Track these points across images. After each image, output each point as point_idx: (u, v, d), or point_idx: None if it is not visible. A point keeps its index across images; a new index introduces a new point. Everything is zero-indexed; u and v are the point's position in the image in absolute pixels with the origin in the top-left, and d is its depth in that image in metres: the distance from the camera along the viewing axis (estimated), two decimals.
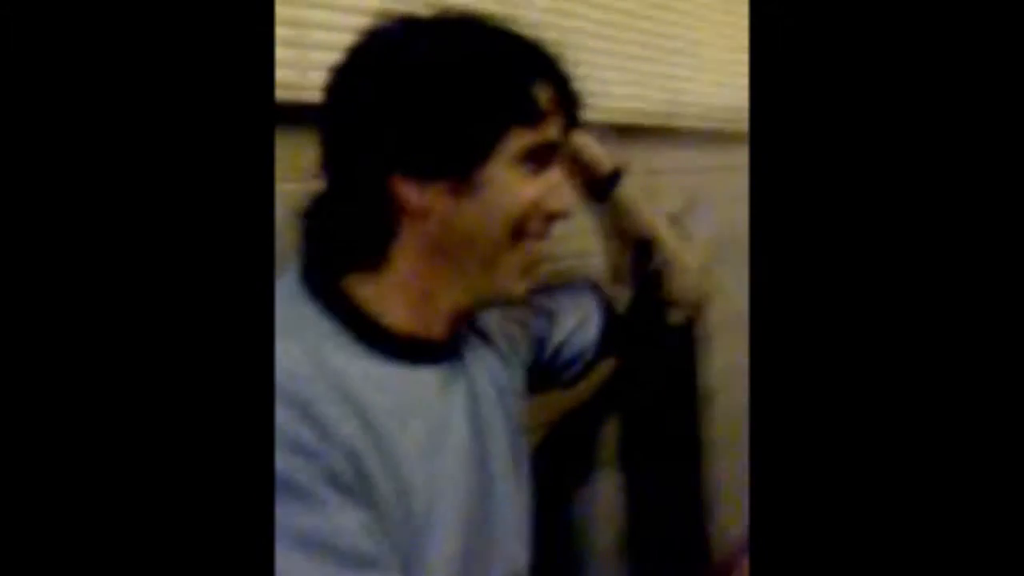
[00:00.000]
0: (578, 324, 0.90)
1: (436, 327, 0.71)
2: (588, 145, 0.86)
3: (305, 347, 0.61)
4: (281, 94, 0.70)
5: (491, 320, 0.82)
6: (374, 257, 0.68)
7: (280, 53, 0.78)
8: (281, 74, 0.76)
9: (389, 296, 0.68)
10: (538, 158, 0.67)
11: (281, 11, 0.75)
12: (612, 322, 0.91)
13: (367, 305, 0.67)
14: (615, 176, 0.89)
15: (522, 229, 0.68)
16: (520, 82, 0.65)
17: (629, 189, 0.90)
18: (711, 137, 1.48)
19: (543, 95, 0.66)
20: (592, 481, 1.23)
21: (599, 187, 0.89)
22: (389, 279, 0.68)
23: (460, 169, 0.65)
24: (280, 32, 0.76)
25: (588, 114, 0.75)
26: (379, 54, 0.66)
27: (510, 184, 0.66)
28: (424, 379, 0.70)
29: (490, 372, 0.79)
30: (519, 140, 0.65)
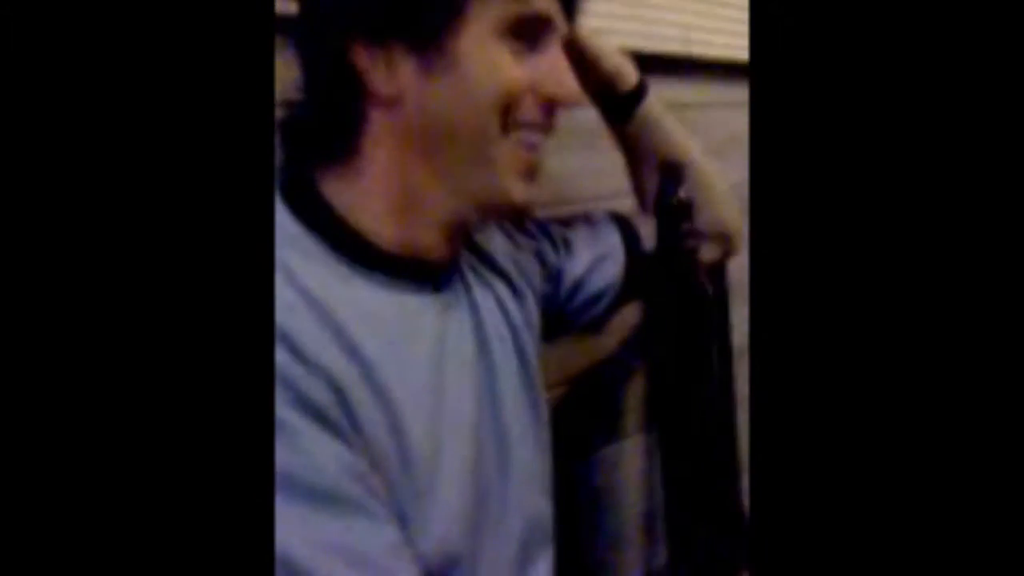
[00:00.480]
0: (598, 258, 0.79)
1: (428, 242, 0.61)
2: (608, 53, 0.74)
3: (282, 267, 0.53)
4: None
5: (498, 244, 0.72)
6: (344, 151, 0.58)
7: None
8: None
9: (369, 200, 0.59)
10: (527, 33, 0.57)
11: None
12: (638, 258, 0.79)
13: (347, 214, 0.58)
14: (640, 90, 0.76)
15: (513, 116, 0.57)
16: None
17: (655, 106, 0.78)
18: (737, 71, 1.37)
19: None
20: (617, 443, 1.13)
21: (621, 104, 0.77)
22: (365, 178, 0.59)
23: (427, 35, 0.55)
24: None
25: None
26: None
27: (492, 59, 0.56)
28: (419, 305, 0.61)
29: (499, 303, 0.69)
30: (499, 6, 0.55)
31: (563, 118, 0.97)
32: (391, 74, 0.56)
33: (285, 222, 0.57)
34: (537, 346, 0.73)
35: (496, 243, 0.73)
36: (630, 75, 0.76)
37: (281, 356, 0.50)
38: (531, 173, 0.61)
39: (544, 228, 0.78)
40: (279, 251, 0.52)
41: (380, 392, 0.55)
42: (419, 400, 0.58)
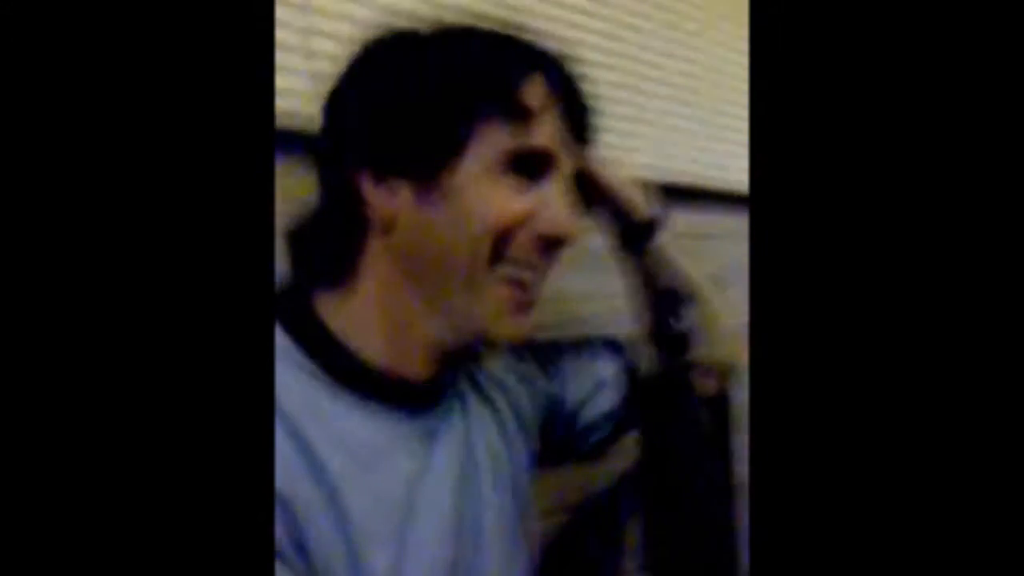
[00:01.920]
0: (597, 387, 0.78)
1: (416, 364, 0.61)
2: (623, 185, 0.76)
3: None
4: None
5: (491, 374, 0.72)
6: (343, 273, 0.60)
7: None
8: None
9: (361, 321, 0.59)
10: (526, 168, 0.58)
11: None
12: (637, 387, 0.79)
13: (339, 333, 0.59)
14: (652, 224, 0.78)
15: (503, 250, 0.58)
16: (498, 70, 0.57)
17: (666, 241, 0.80)
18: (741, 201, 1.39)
19: (533, 91, 0.57)
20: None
21: (633, 236, 0.78)
22: (360, 300, 0.59)
23: (426, 167, 0.56)
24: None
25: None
26: (360, 61, 0.60)
27: (486, 192, 0.56)
28: (401, 427, 0.60)
29: (488, 434, 0.68)
30: (498, 141, 0.56)
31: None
32: (389, 200, 0.57)
33: (277, 336, 0.57)
34: (526, 479, 0.72)
35: (488, 374, 0.73)
36: (643, 207, 0.76)
37: None
38: (520, 308, 0.60)
39: (536, 352, 0.79)
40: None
41: (342, 518, 0.54)
42: (384, 528, 0.56)
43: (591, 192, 0.73)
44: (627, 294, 0.84)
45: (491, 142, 0.56)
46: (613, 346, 0.82)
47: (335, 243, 0.60)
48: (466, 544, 0.62)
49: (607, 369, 0.79)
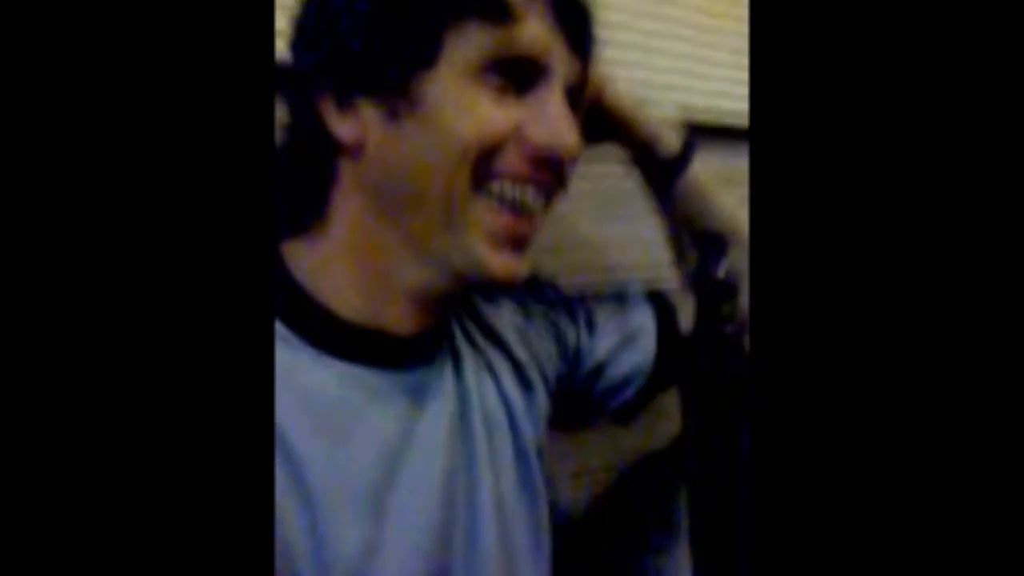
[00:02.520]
0: (626, 339, 0.70)
1: (395, 314, 0.53)
2: (643, 112, 0.66)
3: None
4: None
5: (506, 316, 0.64)
6: (310, 215, 0.52)
7: None
8: None
9: (331, 269, 0.52)
10: (511, 76, 0.49)
11: None
12: (674, 341, 0.70)
13: (306, 282, 0.51)
14: (683, 158, 0.68)
15: (488, 168, 0.49)
16: None
17: (700, 176, 0.70)
18: None
19: None
20: (652, 552, 1.02)
21: (661, 173, 0.68)
22: (330, 242, 0.52)
23: (391, 80, 0.48)
24: None
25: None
26: None
27: (463, 103, 0.48)
28: (380, 384, 0.52)
29: (497, 385, 0.61)
30: (475, 44, 0.48)
31: (601, 182, 0.95)
32: (355, 125, 0.50)
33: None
34: (540, 435, 0.64)
35: (504, 314, 0.65)
36: (670, 141, 0.67)
37: None
38: (513, 239, 0.52)
39: (565, 301, 0.70)
40: None
41: (306, 499, 0.47)
42: (357, 504, 0.50)
43: (606, 120, 0.64)
44: (664, 239, 0.75)
45: (467, 46, 0.48)
46: (649, 296, 0.73)
47: (300, 181, 0.53)
48: (457, 512, 0.55)
49: (637, 321, 0.70)
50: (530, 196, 0.51)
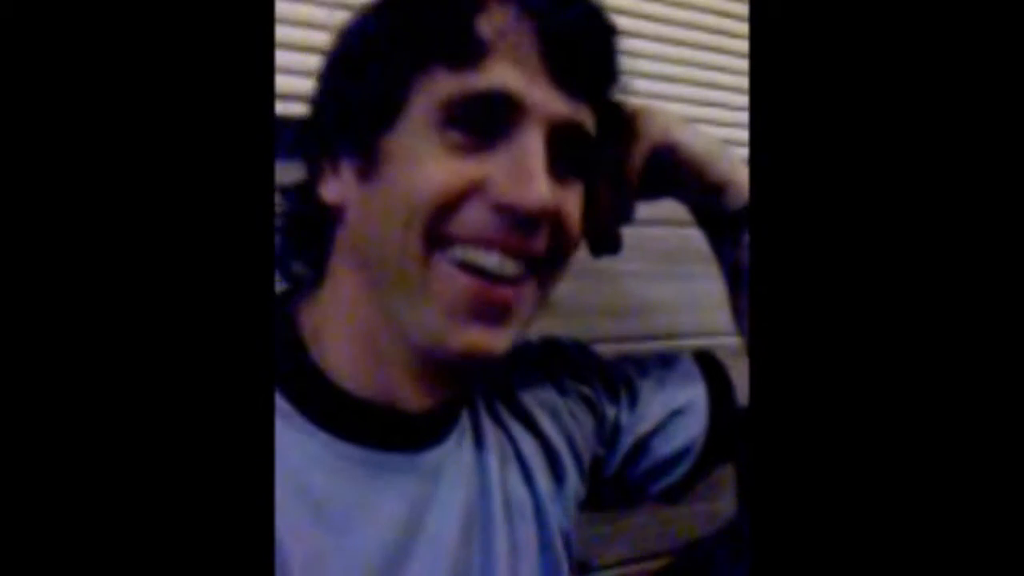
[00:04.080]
0: (673, 414, 0.62)
1: (400, 388, 0.48)
2: (718, 156, 0.56)
3: None
4: None
5: (536, 392, 0.59)
6: (315, 277, 0.51)
7: None
8: None
9: (326, 331, 0.48)
10: (479, 122, 0.44)
11: None
12: (729, 413, 0.63)
13: (308, 342, 0.48)
14: (741, 209, 0.57)
15: (445, 230, 0.44)
16: (442, 3, 0.44)
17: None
18: None
19: (488, 20, 0.44)
20: None
21: (729, 222, 0.57)
22: (324, 307, 0.49)
23: (361, 137, 0.45)
24: None
25: None
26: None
27: (418, 157, 0.44)
28: (389, 464, 0.48)
29: (524, 468, 0.55)
30: (438, 93, 0.44)
31: (654, 241, 0.90)
32: (338, 181, 0.48)
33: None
34: (567, 521, 0.58)
35: (535, 388, 0.59)
36: (743, 187, 0.56)
37: None
38: (480, 310, 0.45)
39: (605, 372, 0.64)
40: None
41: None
42: None
43: (670, 168, 0.55)
44: (722, 301, 0.68)
45: (430, 93, 0.44)
46: (702, 363, 0.65)
47: (303, 243, 0.51)
48: None
49: (687, 394, 0.63)
50: (495, 261, 0.45)
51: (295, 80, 0.62)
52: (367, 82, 0.45)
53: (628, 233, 0.57)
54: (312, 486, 0.45)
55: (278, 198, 0.52)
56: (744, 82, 0.95)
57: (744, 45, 0.96)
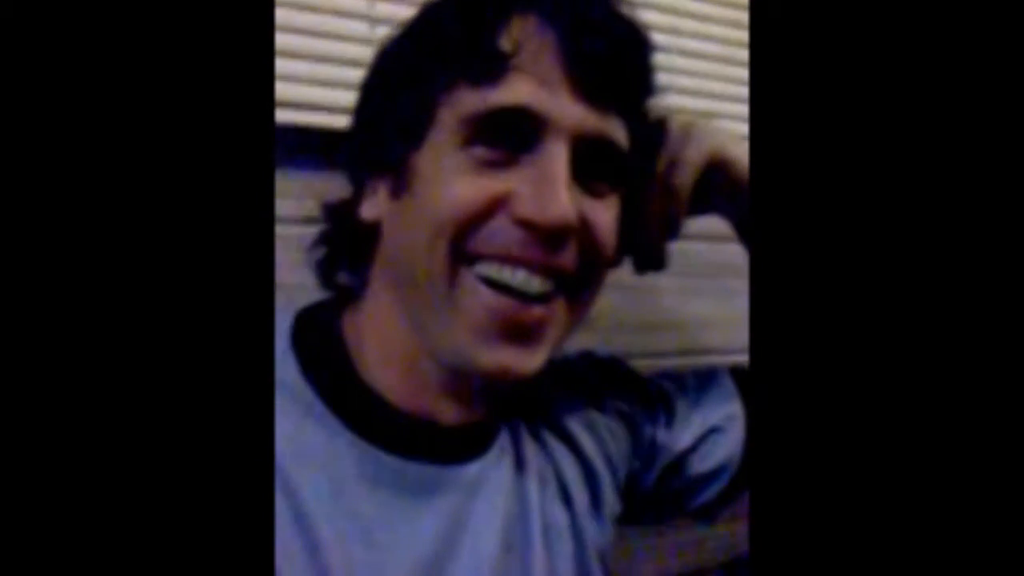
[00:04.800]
0: (712, 431, 0.61)
1: (437, 403, 0.49)
2: (744, 155, 0.54)
3: None
4: None
5: (575, 409, 0.58)
6: (358, 293, 0.52)
7: None
8: None
9: (378, 359, 0.49)
10: (504, 138, 0.44)
11: None
12: None
13: (356, 358, 0.49)
14: None
15: (468, 247, 0.44)
16: (466, 18, 0.44)
17: None
18: None
19: (510, 34, 0.43)
20: None
21: None
22: (369, 319, 0.50)
23: (391, 155, 0.46)
24: None
25: None
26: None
27: (444, 174, 0.44)
28: (426, 477, 0.48)
29: (562, 487, 0.55)
30: (461, 105, 0.43)
31: (692, 256, 0.89)
32: (374, 199, 0.49)
33: (286, 369, 0.47)
34: (605, 541, 0.57)
35: (574, 405, 0.59)
36: None
37: None
38: (509, 329, 0.44)
39: (642, 387, 0.63)
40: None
41: None
42: None
43: (716, 180, 0.54)
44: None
45: (454, 109, 0.44)
46: (740, 379, 0.64)
47: (346, 260, 0.53)
48: None
49: (725, 410, 0.62)
50: (521, 278, 0.44)
51: (294, 88, 0.65)
52: (398, 100, 0.46)
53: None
54: (354, 497, 0.45)
55: (323, 213, 0.54)
56: None
57: None
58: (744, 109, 0.91)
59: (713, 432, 0.61)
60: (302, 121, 0.65)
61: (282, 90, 0.64)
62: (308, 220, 0.56)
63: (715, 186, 0.54)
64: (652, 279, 0.81)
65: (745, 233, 0.60)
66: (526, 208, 0.43)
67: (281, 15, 0.63)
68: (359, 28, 0.69)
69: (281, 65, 0.64)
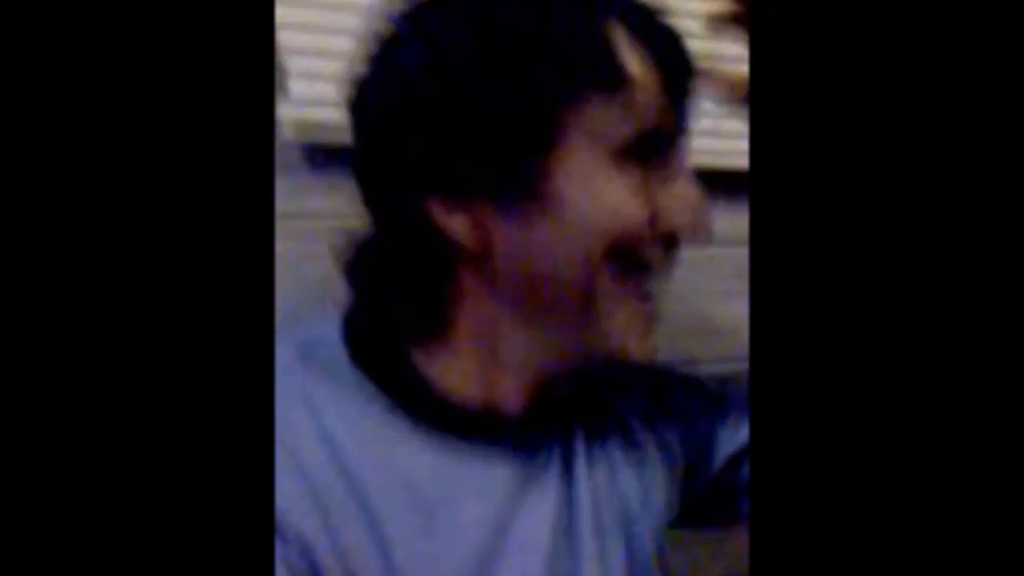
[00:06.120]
0: None
1: (505, 393, 0.50)
2: None
3: (308, 407, 0.46)
4: None
5: (632, 405, 0.59)
6: (435, 321, 0.49)
7: None
8: None
9: (452, 357, 0.49)
10: (640, 154, 0.44)
11: None
12: None
13: (434, 377, 0.49)
14: None
15: (629, 260, 0.45)
16: (570, 21, 0.43)
17: None
18: None
19: (625, 52, 0.44)
20: None
21: None
22: (456, 345, 0.49)
23: (509, 180, 0.44)
24: None
25: None
26: (386, 46, 0.47)
27: (597, 188, 0.44)
28: (487, 466, 0.49)
29: (614, 481, 0.55)
30: (602, 129, 0.43)
31: (726, 259, 0.89)
32: (475, 227, 0.46)
33: (350, 371, 0.48)
34: (659, 537, 0.58)
35: (631, 401, 0.59)
36: None
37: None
38: (649, 324, 0.49)
39: (701, 387, 0.64)
40: (324, 412, 0.46)
41: (393, 573, 0.45)
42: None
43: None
44: None
45: (591, 127, 0.43)
46: None
47: (419, 289, 0.49)
48: None
49: None
50: (658, 284, 0.49)
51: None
52: (497, 119, 0.43)
53: (701, 252, 0.57)
54: (412, 485, 0.46)
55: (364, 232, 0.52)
56: None
57: None
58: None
59: None
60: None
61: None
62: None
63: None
64: (692, 283, 0.82)
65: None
66: (676, 222, 0.46)
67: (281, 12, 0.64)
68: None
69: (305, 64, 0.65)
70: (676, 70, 0.46)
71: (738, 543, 0.86)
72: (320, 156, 0.71)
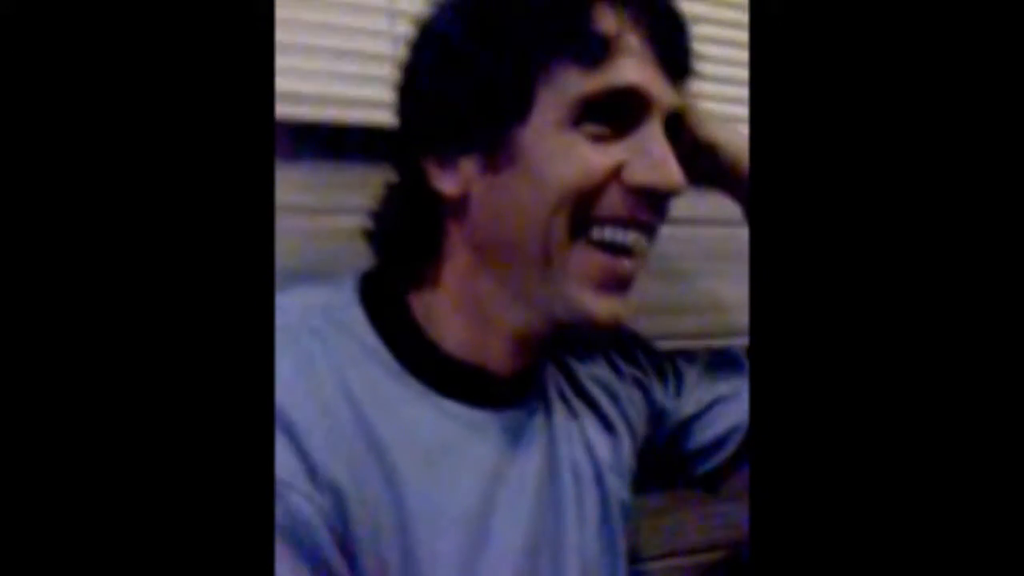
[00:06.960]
0: (719, 400, 0.65)
1: (496, 353, 0.53)
2: (730, 136, 0.59)
3: (331, 364, 0.48)
4: None
5: (596, 370, 0.62)
6: (426, 265, 0.54)
7: None
8: None
9: (441, 311, 0.53)
10: (611, 112, 0.48)
11: None
12: None
13: (424, 323, 0.53)
14: None
15: (588, 213, 0.48)
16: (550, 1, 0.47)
17: None
18: None
19: (605, 14, 0.47)
20: None
21: None
22: (439, 292, 0.53)
23: (485, 135, 0.49)
24: None
25: None
26: (419, 35, 0.53)
27: (560, 148, 0.47)
28: (478, 419, 0.53)
29: (583, 436, 0.59)
30: (568, 85, 0.47)
31: (719, 239, 0.90)
32: (456, 181, 0.50)
33: (364, 333, 0.51)
34: (626, 493, 0.61)
35: (594, 369, 0.63)
36: None
37: (288, 464, 0.44)
38: (616, 282, 0.50)
39: (655, 356, 0.68)
40: (335, 355, 0.49)
41: (407, 518, 0.48)
42: (454, 528, 0.50)
43: (710, 162, 0.59)
44: None
45: (561, 88, 0.47)
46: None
47: (415, 236, 0.54)
48: (543, 565, 0.54)
49: (736, 382, 0.66)
50: (631, 238, 0.50)
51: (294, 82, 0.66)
52: (486, 80, 0.48)
53: (684, 232, 0.59)
54: (419, 433, 0.49)
55: (382, 193, 0.56)
56: None
57: None
58: (744, 110, 0.93)
59: (719, 402, 0.65)
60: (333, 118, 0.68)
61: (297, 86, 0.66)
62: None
63: (710, 168, 0.58)
64: (671, 262, 0.84)
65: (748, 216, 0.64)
66: (644, 176, 0.48)
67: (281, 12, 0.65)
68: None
69: (298, 61, 0.66)
70: (671, 45, 0.49)
71: (724, 509, 0.89)
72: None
